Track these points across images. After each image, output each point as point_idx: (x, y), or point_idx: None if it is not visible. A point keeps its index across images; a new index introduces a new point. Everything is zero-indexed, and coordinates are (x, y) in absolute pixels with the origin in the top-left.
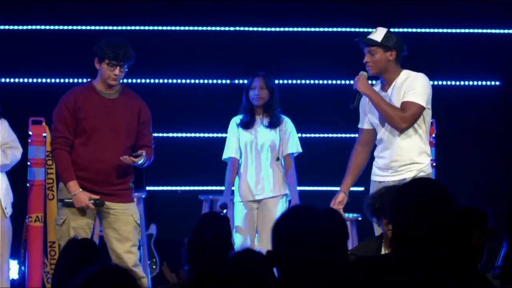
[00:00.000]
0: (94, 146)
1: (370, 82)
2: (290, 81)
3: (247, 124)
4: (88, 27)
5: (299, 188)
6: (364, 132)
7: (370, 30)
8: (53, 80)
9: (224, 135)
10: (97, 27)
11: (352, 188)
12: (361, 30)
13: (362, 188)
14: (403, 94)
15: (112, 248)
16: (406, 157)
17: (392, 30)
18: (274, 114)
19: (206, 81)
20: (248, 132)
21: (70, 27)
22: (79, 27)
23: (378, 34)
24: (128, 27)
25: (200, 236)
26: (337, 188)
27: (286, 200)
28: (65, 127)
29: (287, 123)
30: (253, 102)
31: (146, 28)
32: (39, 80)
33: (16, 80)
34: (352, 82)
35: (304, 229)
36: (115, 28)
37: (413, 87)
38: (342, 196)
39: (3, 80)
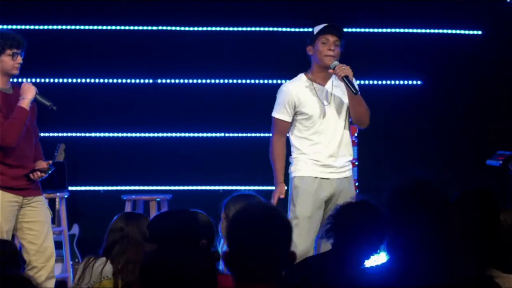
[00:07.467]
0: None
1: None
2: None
3: None
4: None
5: None
6: (285, 124)
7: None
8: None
9: (146, 134)
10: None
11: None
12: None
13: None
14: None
15: (33, 243)
16: (349, 153)
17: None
18: None
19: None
20: None
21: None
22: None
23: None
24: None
25: None
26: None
27: None
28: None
29: None
30: None
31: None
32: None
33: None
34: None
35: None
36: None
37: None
38: (284, 186)
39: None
